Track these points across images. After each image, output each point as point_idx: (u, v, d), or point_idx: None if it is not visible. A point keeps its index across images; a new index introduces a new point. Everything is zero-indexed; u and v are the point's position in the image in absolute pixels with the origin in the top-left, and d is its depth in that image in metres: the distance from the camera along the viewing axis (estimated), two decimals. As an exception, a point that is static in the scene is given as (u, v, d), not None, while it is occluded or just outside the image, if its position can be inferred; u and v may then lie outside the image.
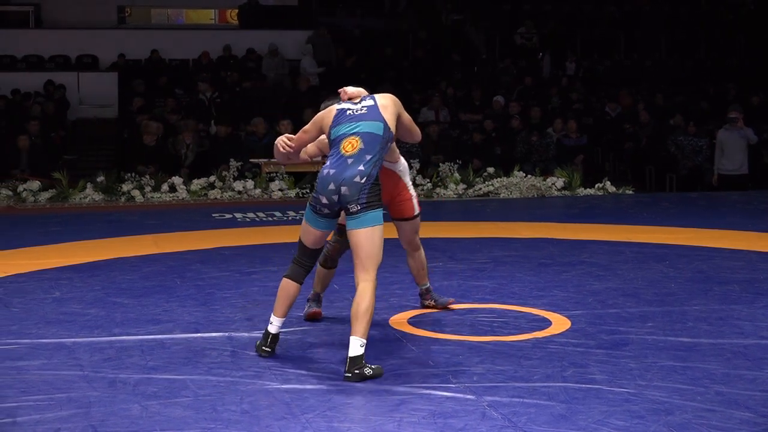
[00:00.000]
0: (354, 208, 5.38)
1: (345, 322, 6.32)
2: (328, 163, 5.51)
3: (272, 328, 5.61)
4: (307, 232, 5.61)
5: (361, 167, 5.42)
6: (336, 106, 5.67)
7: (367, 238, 5.38)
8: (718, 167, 15.05)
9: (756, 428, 4.33)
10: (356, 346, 5.15)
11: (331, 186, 5.41)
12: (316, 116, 5.77)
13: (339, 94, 5.86)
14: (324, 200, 5.45)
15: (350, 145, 5.49)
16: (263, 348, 5.60)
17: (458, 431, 4.33)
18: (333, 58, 20.36)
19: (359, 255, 5.40)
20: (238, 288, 7.46)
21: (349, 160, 5.45)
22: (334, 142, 5.55)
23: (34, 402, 4.74)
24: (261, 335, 5.80)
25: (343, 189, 5.39)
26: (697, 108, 18.78)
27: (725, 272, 7.96)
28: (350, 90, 5.83)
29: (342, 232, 6.15)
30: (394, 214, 6.55)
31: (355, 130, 5.52)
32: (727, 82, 20.38)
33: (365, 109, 5.61)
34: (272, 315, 5.61)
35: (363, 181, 5.39)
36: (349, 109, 5.62)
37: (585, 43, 22.32)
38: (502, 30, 22.18)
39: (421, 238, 9.64)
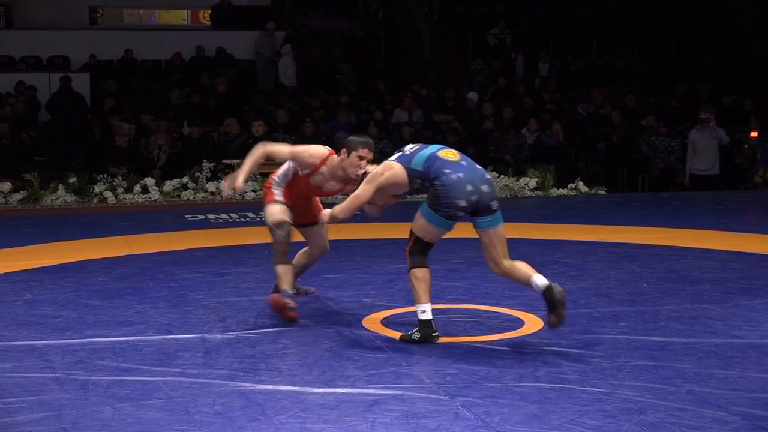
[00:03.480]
0: (495, 205, 5.87)
1: (319, 323, 6.33)
2: (447, 171, 5.79)
3: (429, 314, 5.79)
4: (435, 234, 5.92)
5: (479, 166, 5.96)
6: (392, 161, 6.06)
7: (502, 234, 5.94)
8: (690, 167, 15.13)
9: (727, 426, 4.35)
10: (543, 279, 5.78)
11: (469, 187, 5.77)
12: (383, 180, 6.02)
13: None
14: (463, 203, 5.77)
15: (451, 154, 5.95)
16: (434, 335, 5.79)
17: (432, 431, 4.33)
18: (310, 59, 20.37)
19: (496, 249, 5.91)
20: (211, 289, 7.44)
21: (463, 163, 5.90)
22: (430, 160, 5.88)
23: (5, 405, 4.70)
24: (234, 336, 5.76)
25: (484, 187, 5.81)
26: (670, 108, 18.89)
27: (697, 272, 8.00)
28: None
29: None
30: (310, 218, 6.76)
31: (440, 146, 6.06)
32: (700, 83, 20.50)
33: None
34: (423, 304, 5.80)
35: (491, 178, 5.99)
36: (405, 149, 6.15)
37: (558, 44, 22.40)
38: (476, 30, 22.22)
39: (392, 239, 9.70)
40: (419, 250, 5.94)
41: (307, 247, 6.99)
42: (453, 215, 5.83)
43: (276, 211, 6.58)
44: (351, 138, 6.51)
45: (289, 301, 6.31)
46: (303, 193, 6.69)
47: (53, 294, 7.32)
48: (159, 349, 5.74)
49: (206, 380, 5.10)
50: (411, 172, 5.94)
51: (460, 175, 5.79)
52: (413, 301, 5.93)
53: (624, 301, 6.95)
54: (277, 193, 6.63)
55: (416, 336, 5.84)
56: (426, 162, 5.91)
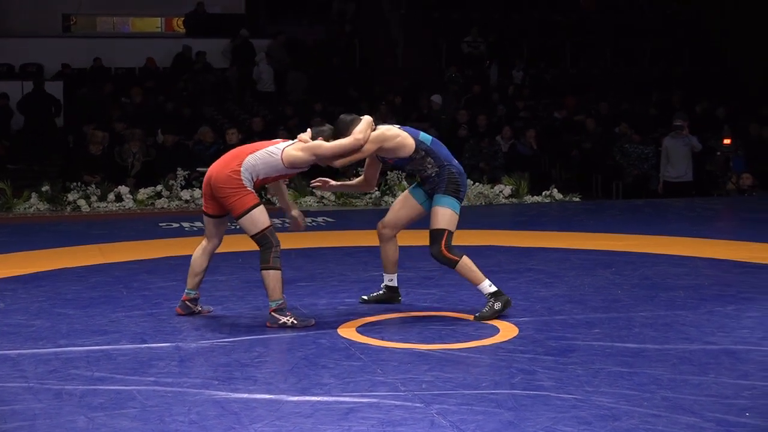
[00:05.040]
0: None
1: (294, 331, 6.31)
2: (455, 162, 6.70)
3: (493, 286, 6.63)
4: (457, 221, 6.65)
5: None
6: (392, 126, 6.70)
7: None
8: (663, 174, 15.21)
9: (701, 433, 4.37)
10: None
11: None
12: (393, 143, 6.59)
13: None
14: (466, 190, 6.86)
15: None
16: (509, 299, 6.65)
17: (407, 439, 4.33)
18: (285, 66, 20.37)
19: None
20: (186, 298, 7.40)
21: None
22: (436, 144, 6.69)
23: (-22, 415, 4.67)
24: (209, 344, 5.76)
25: None
26: (643, 116, 18.98)
27: (670, 278, 8.03)
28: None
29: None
30: (238, 210, 6.48)
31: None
32: (673, 90, 20.61)
33: None
34: (484, 282, 6.58)
35: None
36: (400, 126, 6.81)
37: (532, 52, 22.48)
38: (450, 38, 22.26)
39: (370, 247, 9.68)
40: (451, 243, 6.58)
41: (202, 247, 6.82)
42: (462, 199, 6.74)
43: (266, 216, 6.46)
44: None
45: None
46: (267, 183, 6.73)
47: (26, 303, 7.28)
48: (133, 357, 5.72)
49: (181, 389, 5.08)
50: (419, 144, 6.61)
51: (460, 167, 6.74)
52: (473, 285, 6.64)
53: (598, 307, 6.97)
54: (254, 192, 6.47)
55: (497, 306, 6.55)
56: (433, 143, 6.68)
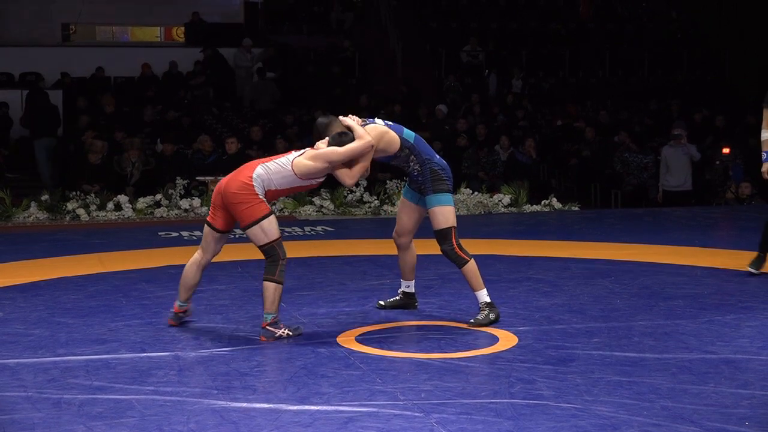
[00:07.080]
0: None
1: (294, 340, 6.31)
2: (436, 157, 6.75)
3: (490, 299, 6.73)
4: (455, 214, 6.76)
5: None
6: (379, 122, 6.70)
7: None
8: (662, 184, 15.21)
9: (701, 442, 4.37)
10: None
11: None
12: (383, 143, 6.60)
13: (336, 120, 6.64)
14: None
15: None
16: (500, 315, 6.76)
17: (406, 449, 4.33)
18: (280, 75, 20.41)
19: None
20: (185, 307, 7.40)
21: None
22: (418, 140, 6.73)
23: (-23, 424, 4.67)
24: (208, 353, 5.75)
25: None
26: (642, 124, 19.00)
27: (670, 288, 8.03)
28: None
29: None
30: (248, 219, 6.35)
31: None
32: (671, 99, 20.63)
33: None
34: (484, 289, 6.69)
35: None
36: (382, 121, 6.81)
37: (530, 61, 22.52)
38: (448, 47, 22.30)
39: (369, 255, 9.69)
40: (459, 240, 6.68)
41: (196, 261, 6.66)
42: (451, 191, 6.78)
43: (276, 227, 6.37)
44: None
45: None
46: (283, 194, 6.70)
47: (25, 312, 7.27)
48: (132, 367, 5.71)
49: (180, 398, 5.08)
50: (404, 142, 6.67)
51: (443, 162, 6.79)
52: (471, 289, 6.72)
53: (597, 317, 6.97)
54: (266, 202, 6.38)
55: (492, 316, 6.64)
56: (416, 140, 6.72)
